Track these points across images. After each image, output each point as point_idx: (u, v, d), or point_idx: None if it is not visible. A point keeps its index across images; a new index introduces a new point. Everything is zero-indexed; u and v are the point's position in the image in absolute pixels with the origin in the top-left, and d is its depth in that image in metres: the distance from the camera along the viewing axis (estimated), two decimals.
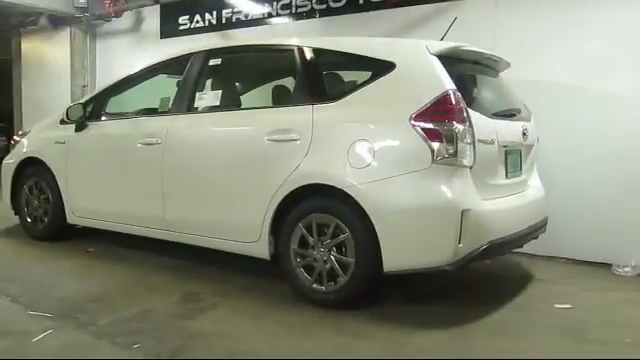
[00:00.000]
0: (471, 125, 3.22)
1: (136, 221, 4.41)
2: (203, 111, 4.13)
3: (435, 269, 3.22)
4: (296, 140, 3.58)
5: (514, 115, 3.77)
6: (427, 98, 3.24)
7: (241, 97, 4.17)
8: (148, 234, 4.38)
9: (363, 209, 3.29)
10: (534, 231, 3.91)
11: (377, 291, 3.62)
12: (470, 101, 3.40)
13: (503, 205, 3.50)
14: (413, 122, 3.21)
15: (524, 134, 3.75)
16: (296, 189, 3.55)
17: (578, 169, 4.76)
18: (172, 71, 4.52)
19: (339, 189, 3.37)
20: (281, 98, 4.01)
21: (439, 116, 3.21)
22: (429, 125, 3.20)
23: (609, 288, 4.19)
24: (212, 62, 4.18)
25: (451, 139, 3.17)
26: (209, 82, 4.28)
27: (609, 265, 4.63)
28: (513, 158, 3.77)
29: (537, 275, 4.43)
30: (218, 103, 4.06)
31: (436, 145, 3.18)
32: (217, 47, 4.27)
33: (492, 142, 3.40)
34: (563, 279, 4.37)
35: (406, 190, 3.23)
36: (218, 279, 4.06)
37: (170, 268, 4.32)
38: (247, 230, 3.77)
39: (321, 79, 3.66)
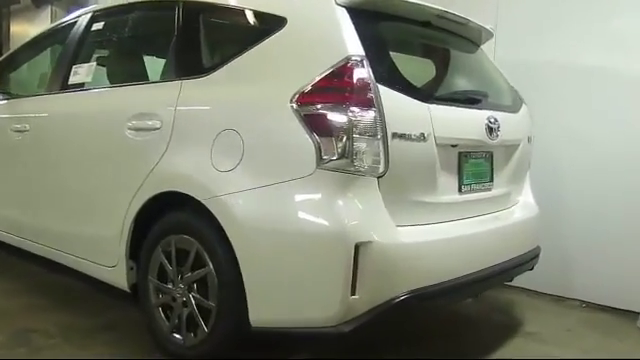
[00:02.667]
0: (380, 111, 2.08)
1: (10, 228, 3.50)
2: (76, 89, 3.14)
3: (318, 330, 2.10)
4: (156, 129, 2.54)
5: (476, 101, 2.56)
6: (319, 69, 2.12)
7: (119, 71, 3.17)
8: (21, 245, 3.45)
9: (225, 232, 2.22)
10: (514, 267, 2.72)
11: None
12: (395, 77, 2.25)
13: (444, 234, 2.33)
14: (295, 105, 2.10)
15: (490, 129, 2.54)
16: (154, 197, 2.51)
17: (602, 178, 3.50)
18: (61, 41, 3.57)
19: (198, 201, 2.31)
20: (153, 71, 2.97)
21: (330, 96, 2.09)
22: (315, 110, 2.09)
23: (626, 353, 2.93)
24: (95, 27, 3.20)
25: (344, 132, 2.04)
26: (94, 54, 3.29)
27: (636, 314, 3.34)
28: (475, 164, 2.58)
29: (529, 325, 3.22)
30: (89, 79, 3.07)
31: (323, 141, 2.06)
32: (101, 8, 3.27)
33: (423, 138, 2.22)
34: (563, 335, 3.13)
35: (278, 207, 2.13)
36: (85, 310, 3.09)
37: (45, 290, 3.38)
38: (103, 250, 2.78)
39: (195, 44, 2.59)
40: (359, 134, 2.04)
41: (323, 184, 2.06)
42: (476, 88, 2.73)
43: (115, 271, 2.72)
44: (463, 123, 2.43)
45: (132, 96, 2.79)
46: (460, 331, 3.12)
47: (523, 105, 3.03)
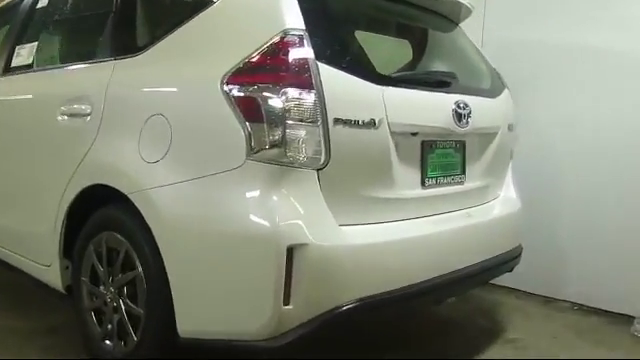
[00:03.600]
0: (320, 94, 1.80)
1: None
2: (18, 72, 2.90)
3: (248, 344, 1.84)
4: (87, 115, 2.29)
5: (442, 84, 2.27)
6: (253, 45, 1.85)
7: (60, 51, 2.91)
8: None
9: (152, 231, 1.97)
10: (489, 270, 2.45)
11: None
12: (343, 55, 1.97)
13: (401, 233, 2.05)
14: (225, 86, 1.83)
15: (459, 115, 2.25)
16: (85, 190, 2.27)
17: (597, 169, 3.21)
18: (9, 20, 3.31)
19: (125, 195, 2.06)
20: (91, 51, 2.69)
21: (262, 76, 1.81)
22: (245, 92, 1.81)
23: None
24: (40, 4, 2.95)
25: (276, 118, 1.77)
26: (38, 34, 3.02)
27: (631, 319, 3.06)
28: (442, 154, 2.30)
29: (512, 330, 2.95)
30: (31, 61, 2.82)
31: (253, 127, 1.79)
32: None
33: (374, 125, 1.94)
34: (547, 342, 2.85)
35: (204, 205, 1.87)
36: (28, 313, 2.88)
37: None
38: (38, 247, 2.55)
39: (130, 20, 2.33)
40: (294, 120, 1.77)
41: (253, 178, 1.79)
42: (445, 69, 2.43)
43: (50, 270, 2.49)
44: (425, 108, 2.15)
45: (67, 78, 2.55)
46: (433, 336, 2.85)
47: (505, 90, 2.74)
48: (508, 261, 2.60)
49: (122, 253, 2.13)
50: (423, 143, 2.20)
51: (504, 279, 3.03)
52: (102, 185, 2.19)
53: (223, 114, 1.82)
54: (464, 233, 2.30)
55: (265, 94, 1.78)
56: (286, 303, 1.76)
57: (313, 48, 1.84)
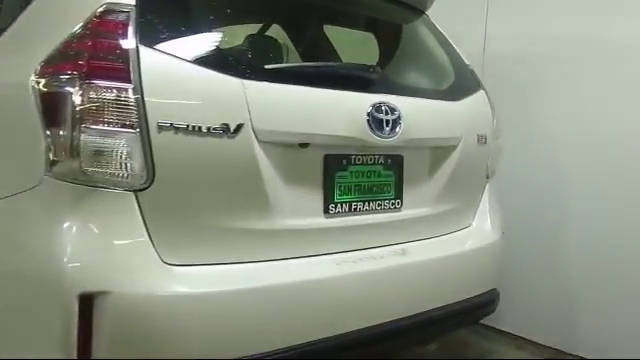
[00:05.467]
0: (138, 88, 1.33)
1: None
2: None
3: None
4: None
5: (352, 80, 1.73)
6: (71, 26, 1.42)
7: None
8: None
9: None
10: (434, 324, 1.88)
11: None
12: (188, 40, 1.50)
13: (275, 278, 1.54)
14: (35, 79, 1.41)
15: (379, 122, 1.70)
16: None
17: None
18: None
19: None
20: None
21: (65, 66, 1.37)
22: (50, 87, 1.38)
23: None
24: None
25: (75, 121, 1.32)
26: None
27: None
28: (362, 173, 1.77)
29: None
30: None
31: (53, 132, 1.35)
32: None
33: (228, 132, 1.44)
34: None
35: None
36: None
37: None
38: None
39: None
40: (99, 124, 1.32)
41: (49, 200, 1.35)
42: (367, 63, 1.89)
43: None
44: (319, 112, 1.62)
45: None
46: None
47: (478, 93, 2.17)
48: (470, 311, 2.02)
49: None
50: (327, 158, 1.68)
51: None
52: None
53: (28, 115, 1.40)
54: (388, 276, 1.75)
55: (66, 89, 1.34)
56: None
57: (145, 29, 1.38)
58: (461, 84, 2.13)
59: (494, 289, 2.15)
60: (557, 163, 2.77)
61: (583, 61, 2.64)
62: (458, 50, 2.25)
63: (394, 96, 1.77)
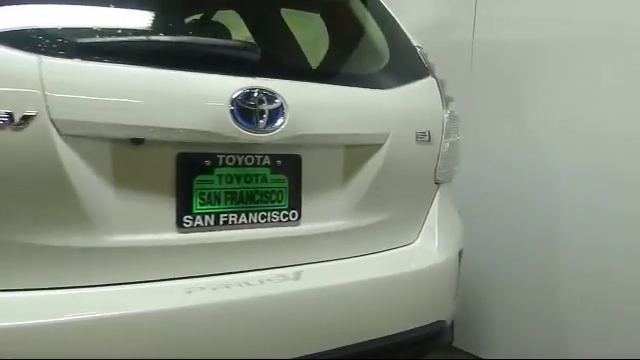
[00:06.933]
0: None
1: None
2: None
3: None
4: None
5: (222, 59, 1.38)
6: None
7: None
8: None
9: None
10: None
11: None
12: None
13: (94, 309, 1.20)
14: None
15: (249, 113, 1.33)
16: None
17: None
18: None
19: None
20: None
21: None
22: None
23: None
24: None
25: None
26: None
27: None
28: (236, 176, 1.41)
29: None
30: None
31: None
32: None
33: (11, 122, 1.11)
34: None
35: None
36: None
37: None
38: None
39: None
40: None
41: None
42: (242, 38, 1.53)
43: None
44: (153, 98, 1.27)
45: None
46: None
47: (424, 79, 1.77)
48: (398, 348, 1.61)
49: None
50: (181, 158, 1.33)
51: None
52: None
53: None
54: (264, 308, 1.38)
55: None
56: None
57: None
58: (398, 69, 1.73)
59: (441, 320, 1.74)
60: (550, 159, 2.33)
61: (582, 47, 2.21)
62: (404, 28, 1.84)
63: (277, 80, 1.40)
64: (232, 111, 1.31)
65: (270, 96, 1.36)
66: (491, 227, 2.52)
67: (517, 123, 2.44)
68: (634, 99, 2.03)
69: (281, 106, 1.37)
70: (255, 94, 1.34)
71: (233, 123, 1.31)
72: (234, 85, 1.33)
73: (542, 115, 2.35)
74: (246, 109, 1.33)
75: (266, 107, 1.35)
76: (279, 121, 1.37)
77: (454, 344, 2.66)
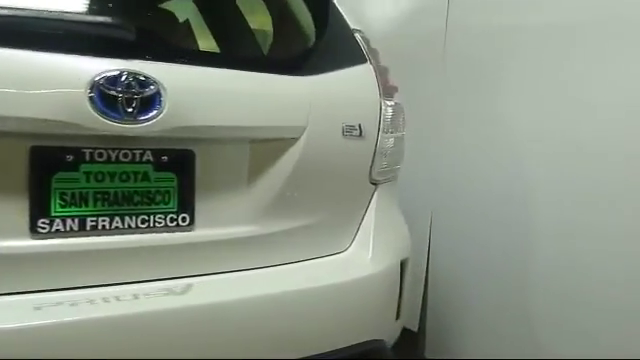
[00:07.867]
0: None
1: None
2: None
3: None
4: None
5: (82, 39, 1.19)
6: None
7: None
8: None
9: None
10: None
11: None
12: None
13: None
14: None
15: (113, 100, 1.14)
16: None
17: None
18: None
19: None
20: None
21: None
22: None
23: None
24: None
25: None
26: None
27: None
28: (108, 174, 1.22)
29: None
30: None
31: None
32: None
33: None
34: None
35: None
36: None
37: None
38: None
39: None
40: None
41: None
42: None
43: None
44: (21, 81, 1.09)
45: None
46: None
47: (358, 66, 1.56)
48: None
49: None
50: (35, 151, 1.15)
51: None
52: None
53: None
54: (134, 327, 1.18)
55: None
56: None
57: None
58: (325, 54, 1.52)
59: (376, 340, 1.53)
60: (527, 163, 2.09)
61: (572, 33, 1.95)
62: (340, 9, 1.63)
63: (156, 63, 1.21)
64: (91, 98, 1.12)
65: (143, 81, 1.17)
66: (465, 234, 2.30)
67: (491, 121, 2.20)
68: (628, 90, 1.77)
69: (157, 92, 1.18)
70: (123, 78, 1.15)
71: (92, 111, 1.12)
72: (96, 68, 1.14)
73: (521, 113, 2.11)
74: (110, 95, 1.14)
75: (137, 93, 1.16)
76: (154, 111, 1.18)
77: (426, 355, 2.47)
